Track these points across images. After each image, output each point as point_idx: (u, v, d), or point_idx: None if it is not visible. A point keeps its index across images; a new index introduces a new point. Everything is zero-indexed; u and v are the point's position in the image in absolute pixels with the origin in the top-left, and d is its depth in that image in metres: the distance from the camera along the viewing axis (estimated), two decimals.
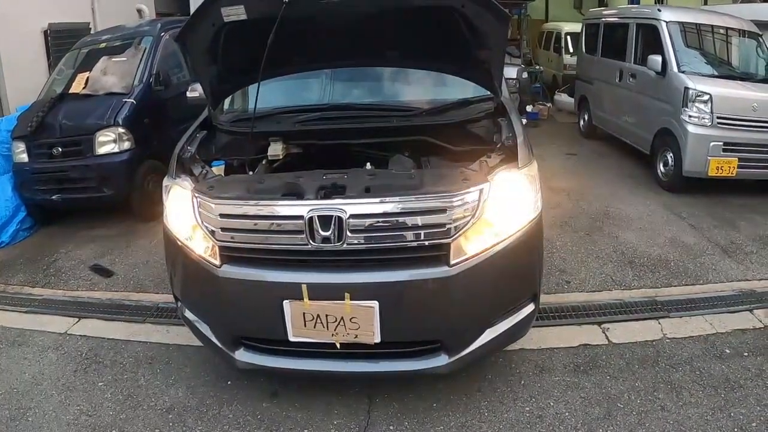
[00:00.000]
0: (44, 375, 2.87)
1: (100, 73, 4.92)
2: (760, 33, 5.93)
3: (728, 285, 3.47)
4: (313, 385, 2.55)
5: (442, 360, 2.12)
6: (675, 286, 3.46)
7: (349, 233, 1.98)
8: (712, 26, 5.94)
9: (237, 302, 2.19)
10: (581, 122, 8.08)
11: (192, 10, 9.03)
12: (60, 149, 4.64)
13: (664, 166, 5.47)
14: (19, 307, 3.67)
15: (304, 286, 1.99)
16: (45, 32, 6.37)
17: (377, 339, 2.06)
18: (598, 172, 6.00)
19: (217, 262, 2.16)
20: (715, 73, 5.55)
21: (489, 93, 2.72)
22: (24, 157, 4.79)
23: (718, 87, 5.15)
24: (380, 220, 1.99)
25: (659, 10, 6.01)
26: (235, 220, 2.13)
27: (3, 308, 3.68)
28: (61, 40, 6.52)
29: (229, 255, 2.15)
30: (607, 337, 2.88)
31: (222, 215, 2.13)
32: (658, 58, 5.51)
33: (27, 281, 4.05)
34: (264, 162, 2.66)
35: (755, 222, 4.59)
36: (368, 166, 2.49)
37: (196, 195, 2.22)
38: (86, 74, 4.95)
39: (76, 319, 3.43)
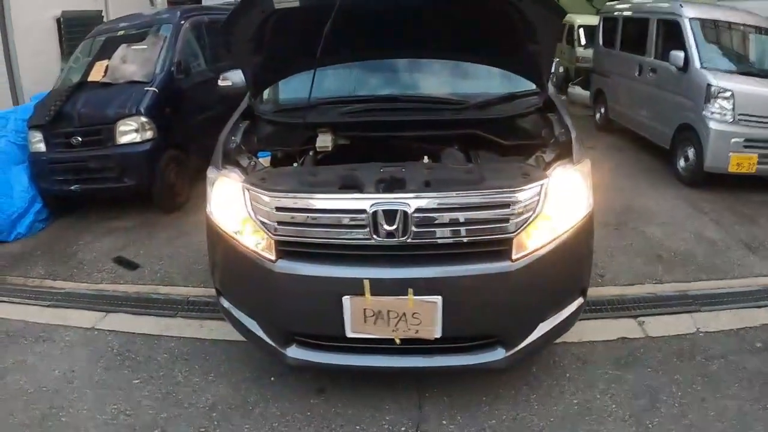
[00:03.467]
0: (75, 372, 2.75)
1: (120, 61, 4.79)
2: None
3: (754, 280, 3.47)
4: (360, 381, 2.47)
5: (499, 354, 2.12)
6: (704, 280, 3.44)
7: (413, 227, 1.94)
8: (732, 23, 5.92)
9: (293, 298, 2.13)
10: (597, 115, 8.02)
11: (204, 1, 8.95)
12: (79, 139, 4.51)
13: (685, 161, 5.45)
14: (41, 301, 3.54)
15: (366, 282, 1.94)
16: (58, 20, 6.22)
17: (437, 334, 2.03)
18: (617, 166, 5.94)
19: (272, 257, 2.10)
20: (737, 70, 5.51)
21: (534, 87, 2.70)
22: (41, 147, 4.65)
23: (740, 84, 5.14)
24: (444, 214, 1.97)
25: (681, 6, 5.95)
26: (293, 214, 2.07)
27: (24, 302, 3.55)
28: (74, 28, 6.39)
29: (285, 250, 2.09)
30: (644, 331, 2.89)
31: (279, 209, 2.07)
32: (681, 54, 5.49)
33: (48, 274, 3.92)
34: (311, 153, 2.57)
35: None
36: (426, 159, 2.41)
37: (249, 188, 2.15)
38: (105, 62, 4.82)
39: (103, 314, 3.31)
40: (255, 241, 2.15)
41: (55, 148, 4.61)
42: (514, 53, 2.51)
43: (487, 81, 2.92)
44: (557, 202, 2.08)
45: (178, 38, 5.05)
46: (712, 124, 5.02)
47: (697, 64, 5.38)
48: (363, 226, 1.98)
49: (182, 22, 5.20)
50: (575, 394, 2.40)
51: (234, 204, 2.22)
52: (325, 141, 2.52)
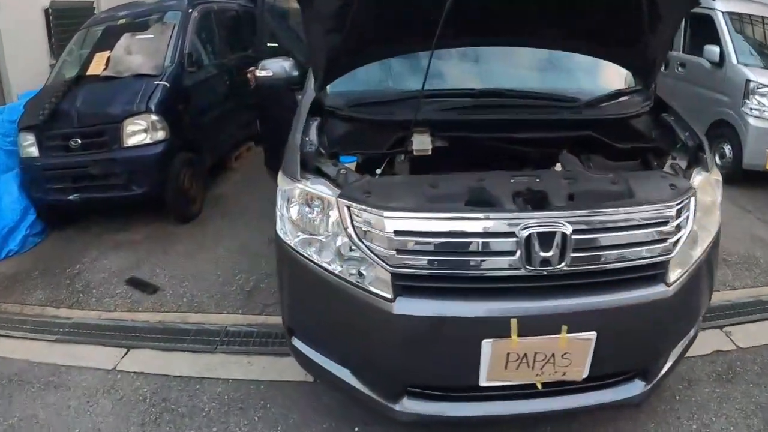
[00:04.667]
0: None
1: (123, 51, 4.22)
2: None
3: None
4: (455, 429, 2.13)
5: (638, 388, 1.89)
6: None
7: (571, 253, 1.64)
8: (763, 17, 5.78)
9: (415, 345, 1.70)
10: None
11: None
12: (79, 141, 3.91)
13: (720, 158, 5.26)
14: (45, 334, 2.98)
15: (513, 321, 1.61)
16: (46, 11, 5.58)
17: (585, 374, 1.75)
18: None
19: (389, 294, 1.67)
20: None
21: (637, 85, 2.44)
22: (33, 151, 4.04)
23: None
24: (605, 235, 1.69)
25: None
26: (419, 239, 1.65)
27: (26, 336, 2.99)
28: (64, 20, 5.77)
29: (405, 285, 1.67)
30: (733, 342, 2.72)
31: (398, 233, 1.65)
32: (716, 49, 5.33)
33: (49, 300, 3.35)
34: (403, 158, 2.12)
35: None
36: (558, 167, 2.07)
37: (351, 204, 1.71)
38: (107, 54, 4.23)
39: (124, 350, 2.77)
40: (360, 274, 1.71)
41: (51, 152, 4.00)
42: (630, 44, 2.19)
43: (591, 76, 2.58)
44: (701, 215, 1.87)
45: (188, 27, 4.49)
46: (752, 121, 4.91)
47: (733, 59, 5.24)
48: (510, 253, 1.63)
49: (191, 10, 4.64)
50: (691, 419, 2.23)
51: (325, 226, 1.77)
52: (423, 143, 2.07)
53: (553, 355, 1.66)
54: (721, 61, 5.28)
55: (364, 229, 1.69)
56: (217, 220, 4.28)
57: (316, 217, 1.80)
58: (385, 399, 1.81)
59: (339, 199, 1.73)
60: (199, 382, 2.46)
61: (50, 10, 5.60)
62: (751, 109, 4.90)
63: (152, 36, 4.39)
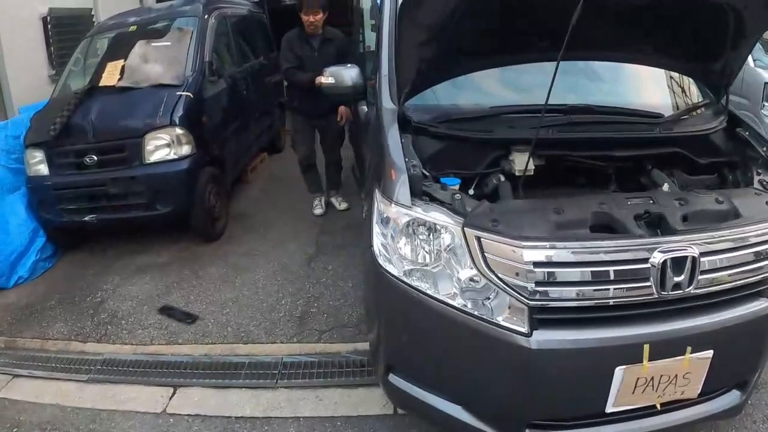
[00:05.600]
0: None
1: (140, 60, 3.93)
2: None
3: None
4: None
5: (736, 398, 1.90)
6: None
7: (699, 276, 1.63)
8: None
9: (551, 379, 1.59)
10: None
11: None
12: (95, 157, 3.61)
13: None
14: (74, 373, 2.69)
15: (646, 347, 1.58)
16: (44, 19, 5.24)
17: (698, 392, 1.74)
18: None
19: (524, 328, 1.56)
20: None
21: (703, 99, 2.42)
22: (42, 169, 3.73)
23: None
24: (725, 255, 1.68)
25: None
26: (558, 270, 1.57)
27: (52, 376, 2.69)
28: (62, 28, 5.44)
29: (541, 318, 1.57)
30: None
31: (537, 264, 1.55)
32: None
33: (73, 333, 3.04)
34: (502, 179, 1.96)
35: None
36: (666, 187, 1.98)
37: (481, 235, 1.58)
38: (120, 63, 3.94)
39: (171, 390, 2.49)
40: (489, 306, 1.58)
41: (63, 170, 3.70)
42: (713, 60, 2.16)
43: (664, 89, 2.50)
44: None
45: (206, 34, 4.23)
46: None
47: (751, 62, 5.20)
48: (645, 279, 1.58)
49: (207, 15, 4.38)
50: (766, 422, 2.18)
51: (443, 255, 1.62)
52: (523, 162, 1.91)
53: (675, 376, 1.66)
54: None
55: (498, 259, 1.55)
56: (244, 238, 4.01)
57: (429, 246, 1.64)
58: None
59: (466, 228, 1.58)
60: (266, 423, 2.21)
61: (49, 18, 5.26)
62: None
63: (169, 43, 4.12)
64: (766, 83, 4.97)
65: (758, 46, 5.48)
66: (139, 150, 3.58)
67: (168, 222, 3.78)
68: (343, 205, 4.35)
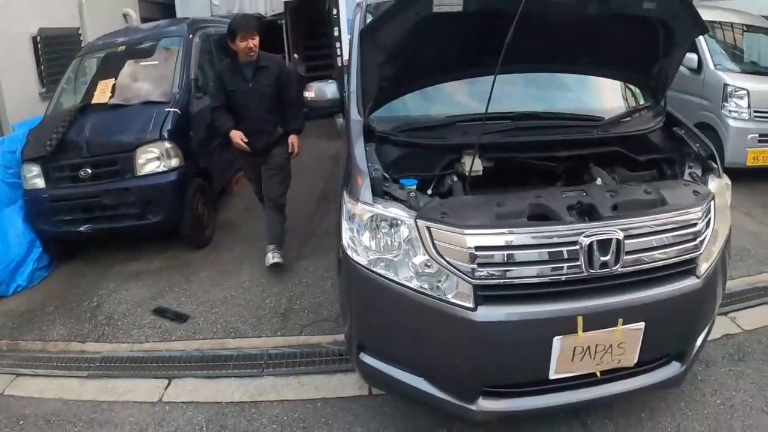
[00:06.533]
0: None
1: (129, 79, 4.19)
2: None
3: None
4: (523, 424, 2.28)
5: (676, 369, 2.11)
6: (766, 272, 3.52)
7: (624, 255, 1.86)
8: (733, 23, 6.17)
9: (495, 348, 1.85)
10: None
11: (179, 14, 8.34)
12: (89, 171, 3.86)
13: None
14: (74, 371, 2.92)
15: (579, 319, 1.81)
16: (34, 38, 5.46)
17: (635, 360, 1.96)
18: None
19: (470, 304, 1.81)
20: (746, 70, 5.70)
21: (647, 102, 2.68)
22: (38, 183, 3.96)
23: (753, 82, 5.34)
24: (649, 238, 1.91)
25: None
26: (497, 253, 1.81)
27: (53, 374, 2.91)
28: (52, 47, 5.66)
29: (484, 295, 1.82)
30: (738, 326, 2.95)
31: (479, 248, 1.80)
32: (694, 57, 5.64)
33: (72, 334, 3.27)
34: (455, 179, 2.24)
35: None
36: (599, 181, 2.24)
37: (431, 225, 1.84)
38: (111, 81, 4.19)
39: (165, 381, 2.73)
40: (441, 287, 1.84)
41: (58, 183, 3.94)
42: (647, 67, 2.45)
43: (604, 95, 2.80)
44: (719, 213, 2.12)
45: (191, 53, 4.49)
46: (731, 122, 5.21)
47: (711, 65, 5.55)
48: (575, 259, 1.82)
49: (191, 35, 4.65)
50: (714, 395, 2.44)
51: (403, 246, 1.88)
52: (476, 164, 2.21)
53: (610, 345, 1.87)
54: (700, 67, 5.58)
55: (446, 245, 1.81)
56: (230, 245, 4.26)
57: (390, 238, 1.90)
58: (463, 401, 1.93)
59: (418, 220, 1.85)
60: (254, 406, 2.46)
61: (39, 38, 5.48)
62: (729, 111, 5.22)
63: (157, 62, 4.38)
64: (725, 85, 5.28)
65: (720, 50, 5.83)
66: (131, 163, 3.83)
67: (159, 230, 4.02)
68: (275, 259, 3.55)
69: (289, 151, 3.64)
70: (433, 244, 1.82)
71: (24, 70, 5.35)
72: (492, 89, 1.94)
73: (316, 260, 3.84)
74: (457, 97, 2.57)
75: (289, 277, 3.65)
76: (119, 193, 3.84)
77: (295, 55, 8.79)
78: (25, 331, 3.35)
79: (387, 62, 2.15)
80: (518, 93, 2.62)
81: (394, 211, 1.90)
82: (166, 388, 2.68)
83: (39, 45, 5.49)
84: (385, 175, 2.04)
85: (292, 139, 3.63)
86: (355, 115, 2.42)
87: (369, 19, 2.95)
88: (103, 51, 4.68)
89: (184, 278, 3.76)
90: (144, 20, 7.97)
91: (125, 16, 7.52)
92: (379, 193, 1.96)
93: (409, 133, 2.29)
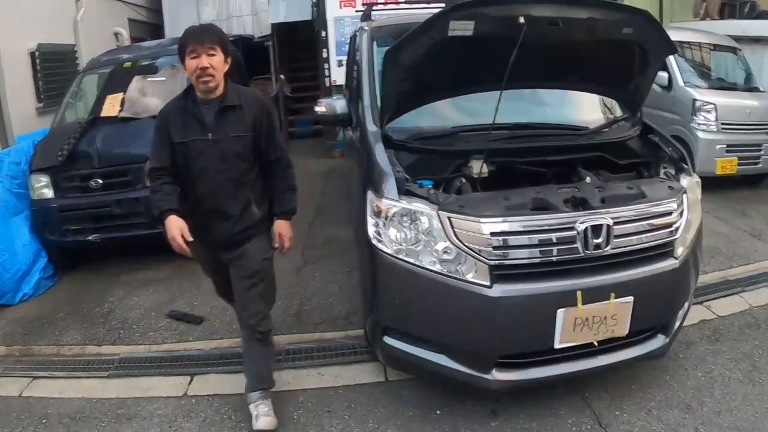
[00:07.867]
0: None
1: (138, 93, 4.35)
2: (739, 47, 6.71)
3: None
4: (525, 397, 2.50)
5: (661, 341, 2.44)
6: (735, 267, 3.93)
7: (614, 238, 2.20)
8: (701, 43, 6.71)
9: (509, 320, 2.16)
10: None
11: (167, 35, 8.51)
12: (99, 181, 3.99)
13: None
14: (94, 371, 3.00)
15: (579, 293, 2.12)
16: (32, 54, 5.56)
17: (626, 331, 2.26)
18: None
19: (487, 282, 2.11)
20: (713, 86, 6.24)
21: (625, 113, 3.05)
22: (47, 193, 4.06)
23: (719, 97, 5.86)
24: (633, 224, 2.26)
25: None
26: (508, 238, 2.14)
27: (73, 375, 2.98)
28: (49, 63, 5.76)
29: (499, 274, 2.13)
30: (714, 312, 3.29)
31: (494, 234, 2.12)
32: (665, 75, 6.11)
33: (87, 338, 3.35)
34: (464, 181, 2.54)
35: (762, 210, 5.20)
36: (588, 180, 2.54)
37: (452, 216, 2.15)
38: (120, 95, 4.35)
39: (188, 378, 2.86)
40: (462, 269, 2.13)
41: (67, 193, 4.05)
42: (625, 83, 2.81)
43: (587, 107, 3.18)
44: (691, 206, 2.48)
45: None
46: (700, 134, 5.72)
47: (680, 82, 6.05)
48: (572, 242, 2.15)
49: None
50: (695, 369, 2.74)
51: (423, 236, 2.17)
52: (479, 168, 2.52)
53: (605, 317, 2.18)
54: (670, 84, 6.05)
55: (466, 233, 2.12)
56: None
57: (412, 230, 2.18)
58: (479, 372, 2.22)
59: (440, 211, 2.14)
60: (278, 396, 2.60)
61: (37, 53, 5.58)
62: (698, 124, 5.72)
63: (164, 78, 4.56)
64: (694, 100, 5.79)
65: (689, 68, 6.32)
66: (142, 174, 3.96)
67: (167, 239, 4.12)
68: (266, 417, 2.31)
69: (274, 246, 2.41)
70: (454, 232, 2.12)
71: (22, 85, 5.43)
72: (498, 103, 2.25)
73: (322, 266, 4.03)
74: (459, 111, 2.91)
75: (297, 282, 3.82)
76: (130, 203, 3.97)
77: (282, 76, 9.06)
78: (37, 337, 3.41)
79: (405, 79, 2.47)
80: (514, 106, 2.94)
81: (418, 205, 2.18)
82: (189, 384, 2.80)
83: (37, 60, 5.59)
84: (406, 176, 2.30)
85: (280, 228, 2.36)
86: (371, 126, 2.69)
87: (374, 40, 3.24)
88: (108, 67, 4.84)
89: (193, 285, 3.88)
90: (134, 39, 8.12)
91: (116, 34, 7.66)
92: (402, 191, 2.23)
93: (422, 141, 2.60)
